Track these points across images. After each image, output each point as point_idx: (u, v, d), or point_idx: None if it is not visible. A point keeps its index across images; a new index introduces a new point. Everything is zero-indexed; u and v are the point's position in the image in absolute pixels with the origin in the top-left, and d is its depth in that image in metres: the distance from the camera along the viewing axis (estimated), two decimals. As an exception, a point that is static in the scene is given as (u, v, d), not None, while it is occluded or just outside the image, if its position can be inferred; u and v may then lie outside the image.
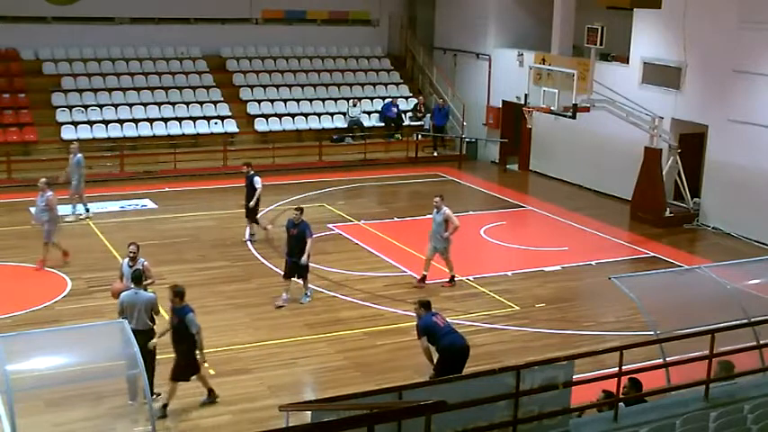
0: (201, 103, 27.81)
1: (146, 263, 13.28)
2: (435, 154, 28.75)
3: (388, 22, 32.17)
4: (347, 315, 15.68)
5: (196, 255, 18.62)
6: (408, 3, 32.17)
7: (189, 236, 19.68)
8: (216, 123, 27.36)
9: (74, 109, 26.26)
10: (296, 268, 15.91)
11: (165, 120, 26.92)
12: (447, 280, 17.17)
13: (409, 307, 15.73)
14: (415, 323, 12.69)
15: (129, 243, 13.52)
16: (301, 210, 16.10)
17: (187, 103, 27.65)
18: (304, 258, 15.77)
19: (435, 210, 17.00)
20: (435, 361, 12.16)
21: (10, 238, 19.33)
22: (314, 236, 16.26)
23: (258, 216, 19.47)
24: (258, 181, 19.04)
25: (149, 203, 22.38)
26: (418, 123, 29.31)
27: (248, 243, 19.25)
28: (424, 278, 17.09)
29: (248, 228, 19.47)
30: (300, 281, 16.15)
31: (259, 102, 28.51)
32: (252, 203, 19.05)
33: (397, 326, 15.17)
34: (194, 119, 27.25)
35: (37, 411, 11.27)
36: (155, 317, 12.27)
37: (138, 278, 12.27)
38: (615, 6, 21.86)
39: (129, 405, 11.90)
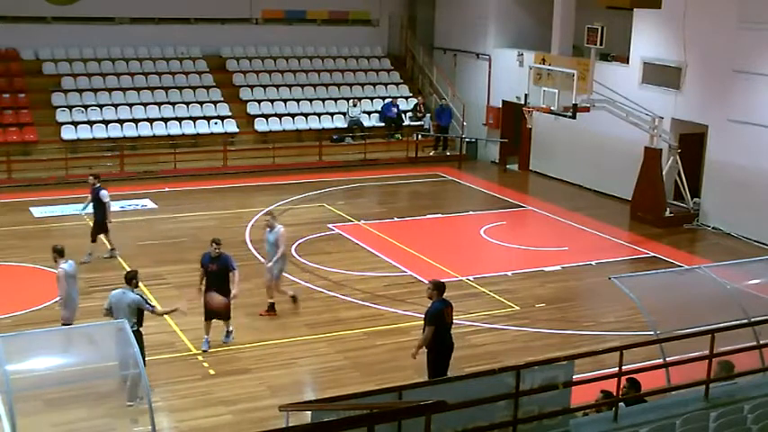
0: (201, 103, 27.79)
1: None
2: (448, 153, 28.83)
3: (388, 22, 32.15)
4: (347, 315, 15.67)
5: (196, 255, 18.57)
6: (408, 3, 32.16)
7: (189, 236, 19.66)
8: (216, 123, 27.35)
9: (74, 109, 26.25)
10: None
11: (165, 120, 26.91)
12: (266, 309, 15.42)
13: (409, 307, 15.77)
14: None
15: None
16: (219, 242, 14.04)
17: (187, 103, 27.64)
18: (234, 292, 13.90)
19: (268, 229, 15.23)
20: (430, 354, 11.91)
21: (10, 238, 19.32)
22: (237, 269, 14.06)
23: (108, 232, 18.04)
24: (105, 195, 17.72)
25: (149, 203, 22.37)
26: (418, 123, 29.30)
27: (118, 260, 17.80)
28: (272, 306, 15.44)
29: (107, 243, 18.01)
30: (223, 321, 14.18)
31: (259, 102, 28.49)
32: (108, 220, 17.75)
33: (397, 326, 15.15)
34: (194, 119, 27.24)
35: (37, 411, 11.26)
36: (141, 317, 12.20)
37: (129, 279, 12.35)
38: (615, 6, 21.85)
39: (127, 406, 11.88)
